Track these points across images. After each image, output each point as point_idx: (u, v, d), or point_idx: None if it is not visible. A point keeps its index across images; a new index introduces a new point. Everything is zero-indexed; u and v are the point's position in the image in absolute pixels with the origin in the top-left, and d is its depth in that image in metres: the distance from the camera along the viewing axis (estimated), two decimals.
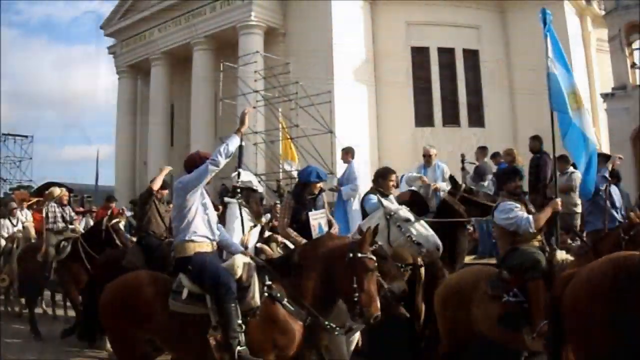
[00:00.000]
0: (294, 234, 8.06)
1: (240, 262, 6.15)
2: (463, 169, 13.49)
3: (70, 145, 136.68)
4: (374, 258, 5.96)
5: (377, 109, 39.27)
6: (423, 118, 39.55)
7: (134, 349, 6.24)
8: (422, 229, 7.57)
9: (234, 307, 5.82)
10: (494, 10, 40.53)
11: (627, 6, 30.54)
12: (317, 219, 8.19)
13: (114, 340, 6.55)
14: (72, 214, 14.18)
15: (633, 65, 31.16)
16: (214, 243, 6.47)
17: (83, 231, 14.45)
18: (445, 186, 11.97)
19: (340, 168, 16.26)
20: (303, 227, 8.15)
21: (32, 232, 15.01)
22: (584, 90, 38.41)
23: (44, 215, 13.44)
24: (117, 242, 11.77)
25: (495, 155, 15.13)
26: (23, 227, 15.51)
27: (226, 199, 8.47)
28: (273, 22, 39.73)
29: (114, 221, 11.99)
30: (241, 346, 5.76)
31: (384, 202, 7.88)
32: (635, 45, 32.31)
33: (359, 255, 5.86)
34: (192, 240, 6.22)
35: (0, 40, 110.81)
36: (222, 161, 6.12)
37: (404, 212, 7.66)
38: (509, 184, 7.56)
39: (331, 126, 28.58)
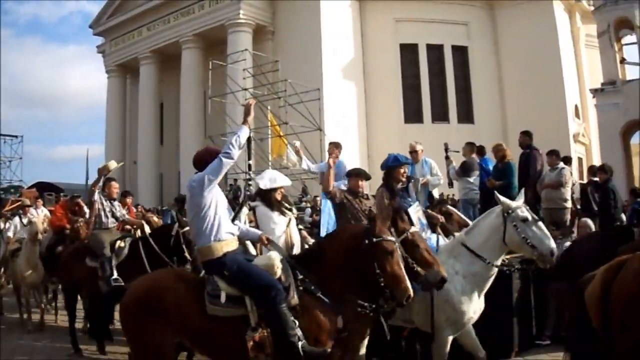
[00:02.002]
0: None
1: (278, 261, 5.98)
2: (447, 157, 13.39)
3: (60, 145, 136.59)
4: (392, 239, 5.83)
5: (366, 106, 39.37)
6: (412, 115, 39.66)
7: (162, 352, 5.92)
8: (538, 230, 7.07)
9: (285, 307, 5.68)
10: (482, 7, 40.65)
11: (616, 2, 30.54)
12: (417, 213, 7.92)
13: (137, 342, 6.09)
14: (123, 211, 11.90)
15: (622, 60, 31.16)
16: (236, 238, 6.28)
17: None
18: (434, 180, 11.89)
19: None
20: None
21: (40, 227, 12.93)
22: (574, 86, 38.80)
23: (95, 210, 11.01)
24: (187, 254, 9.80)
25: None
26: (30, 222, 13.66)
27: (252, 203, 8.23)
28: (262, 20, 39.74)
29: (187, 229, 9.73)
30: (301, 340, 5.63)
31: (502, 198, 7.33)
32: (624, 41, 32.35)
33: (375, 239, 5.74)
34: (219, 240, 6.00)
35: (0, 40, 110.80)
36: (236, 153, 5.96)
37: (523, 211, 7.17)
38: None
39: (320, 123, 28.60)
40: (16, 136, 51.48)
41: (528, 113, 34.77)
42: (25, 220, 15.00)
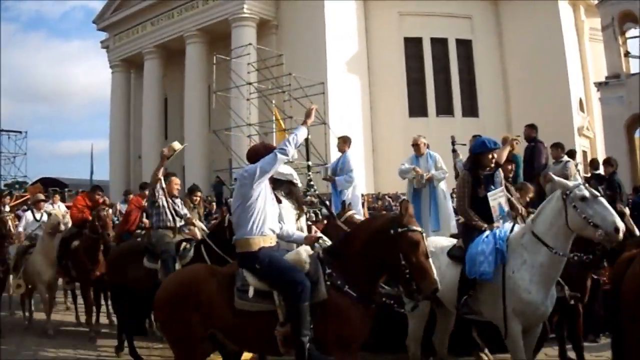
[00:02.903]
0: (475, 216, 7.46)
1: (306, 256, 6.02)
2: (454, 150, 13.31)
3: (64, 141, 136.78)
4: (418, 229, 5.65)
5: (371, 100, 39.39)
6: (417, 108, 39.65)
7: (196, 345, 6.09)
8: (599, 207, 6.43)
9: (307, 305, 5.68)
10: (486, 0, 40.50)
11: None
12: (497, 199, 7.56)
13: (175, 334, 6.24)
14: (185, 210, 10.71)
15: (626, 54, 31.18)
16: (276, 237, 6.34)
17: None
18: (439, 174, 11.84)
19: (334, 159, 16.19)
20: (480, 206, 7.52)
21: (61, 217, 12.13)
22: (578, 80, 38.72)
23: (158, 202, 9.94)
24: None
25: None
26: (48, 214, 12.65)
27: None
28: (266, 14, 39.79)
29: None
30: (310, 343, 5.65)
31: (556, 178, 6.81)
32: (628, 34, 32.35)
33: (400, 230, 5.60)
34: (257, 235, 6.06)
35: (0, 37, 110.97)
36: (292, 150, 6.02)
37: (581, 189, 6.54)
38: None
39: (325, 117, 28.58)
40: (20, 132, 51.65)
41: (532, 106, 34.75)
42: (37, 216, 14.20)
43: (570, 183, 6.68)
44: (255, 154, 6.24)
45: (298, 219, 7.78)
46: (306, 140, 6.49)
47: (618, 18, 30.77)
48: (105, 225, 11.59)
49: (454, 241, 7.86)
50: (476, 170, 7.69)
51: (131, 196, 16.45)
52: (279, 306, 5.81)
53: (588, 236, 6.58)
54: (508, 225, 7.37)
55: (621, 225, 6.28)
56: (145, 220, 13.46)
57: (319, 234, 6.78)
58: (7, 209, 14.90)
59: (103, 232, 11.49)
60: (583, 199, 6.45)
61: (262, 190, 6.10)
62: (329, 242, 6.63)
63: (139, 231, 13.44)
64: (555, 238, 6.64)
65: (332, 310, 5.75)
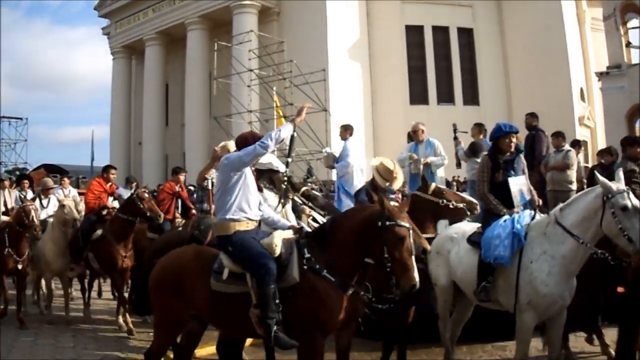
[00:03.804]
0: (495, 200, 7.44)
1: (278, 240, 6.06)
2: (455, 138, 13.34)
3: (66, 127, 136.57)
4: (407, 225, 5.66)
5: (372, 88, 39.37)
6: (418, 96, 39.56)
7: (178, 324, 6.41)
8: (638, 222, 6.15)
9: (273, 288, 5.76)
10: None
11: None
12: (519, 186, 7.53)
13: (159, 315, 6.55)
14: None
15: (628, 44, 31.01)
16: (255, 222, 6.38)
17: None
18: (438, 161, 11.90)
19: (336, 146, 16.31)
20: (498, 191, 7.50)
21: (74, 212, 11.72)
22: (579, 69, 38.60)
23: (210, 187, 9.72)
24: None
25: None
26: (61, 205, 11.90)
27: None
28: (267, 1, 39.68)
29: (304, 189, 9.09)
30: (278, 325, 5.74)
31: (601, 178, 6.46)
32: (630, 24, 32.19)
33: (387, 223, 5.62)
34: (233, 219, 6.19)
35: (1, 22, 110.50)
36: (272, 145, 6.13)
37: (624, 197, 6.25)
38: None
39: (326, 104, 28.59)
40: (21, 118, 51.58)
41: (533, 95, 34.67)
42: (44, 202, 13.63)
43: (614, 186, 6.40)
44: (244, 142, 6.38)
45: (283, 206, 7.83)
46: (291, 137, 6.27)
47: (620, 8, 30.62)
48: (151, 207, 11.20)
49: (476, 226, 7.79)
50: (496, 155, 7.66)
51: (134, 184, 15.73)
52: (252, 288, 5.92)
53: (618, 244, 6.47)
54: (529, 212, 7.27)
55: None
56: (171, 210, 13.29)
57: (302, 224, 6.86)
58: (30, 195, 14.38)
59: (152, 214, 11.07)
60: (624, 208, 6.23)
61: (241, 178, 6.24)
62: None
63: (179, 220, 13.26)
64: (585, 233, 6.50)
65: (308, 293, 5.82)
